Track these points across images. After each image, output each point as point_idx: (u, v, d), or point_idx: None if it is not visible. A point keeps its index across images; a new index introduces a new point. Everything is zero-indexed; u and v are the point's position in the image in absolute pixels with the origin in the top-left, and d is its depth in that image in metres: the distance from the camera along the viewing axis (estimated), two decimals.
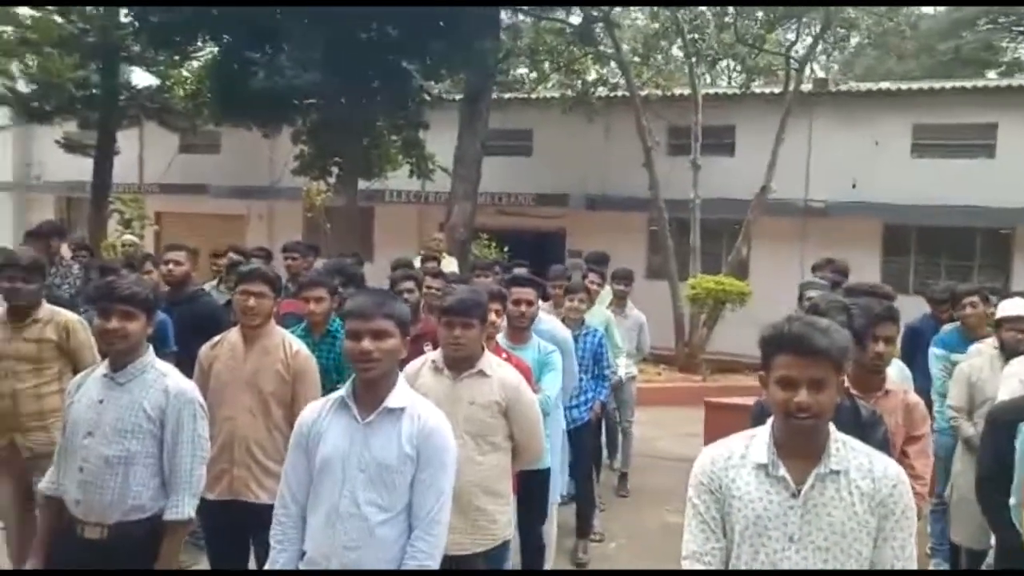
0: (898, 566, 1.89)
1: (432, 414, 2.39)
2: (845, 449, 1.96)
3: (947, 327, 5.47)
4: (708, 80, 17.09)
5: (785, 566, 1.91)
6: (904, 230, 13.29)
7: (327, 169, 13.06)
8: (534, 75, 15.11)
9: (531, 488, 3.52)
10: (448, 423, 2.42)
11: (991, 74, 21.67)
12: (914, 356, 5.85)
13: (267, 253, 6.81)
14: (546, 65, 14.81)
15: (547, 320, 4.71)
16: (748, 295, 11.16)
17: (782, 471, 1.94)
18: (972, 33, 23.59)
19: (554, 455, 4.42)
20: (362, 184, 13.41)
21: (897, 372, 3.64)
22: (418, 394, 2.52)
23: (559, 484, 4.64)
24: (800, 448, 1.95)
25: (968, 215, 12.25)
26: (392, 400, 2.36)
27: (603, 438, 6.33)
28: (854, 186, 13.09)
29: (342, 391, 2.42)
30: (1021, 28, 24.34)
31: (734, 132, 14.18)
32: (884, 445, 2.62)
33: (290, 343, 3.45)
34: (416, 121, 13.17)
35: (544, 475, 3.80)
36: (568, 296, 5.16)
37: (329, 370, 3.96)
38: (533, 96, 15.00)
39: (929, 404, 5.02)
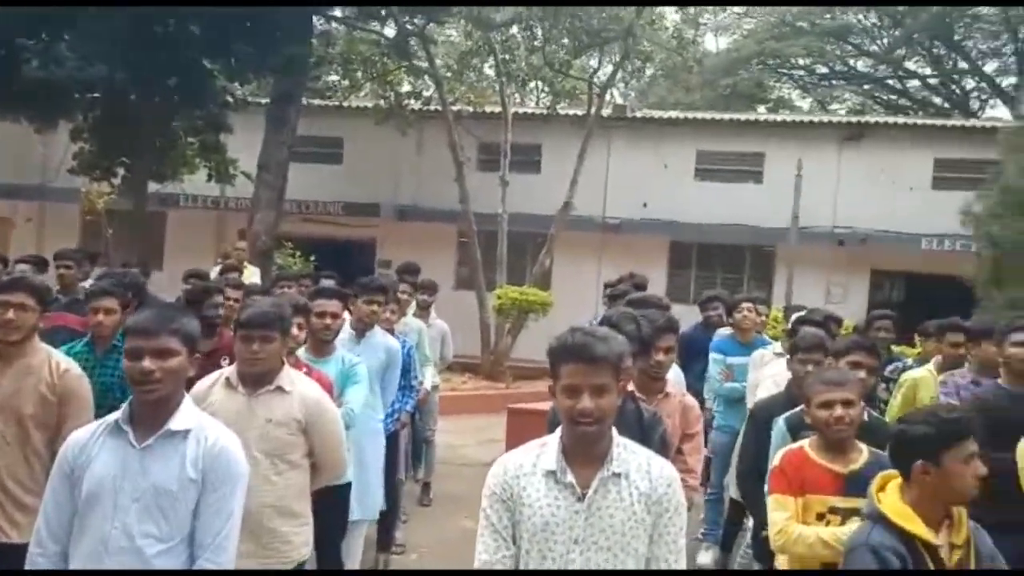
0: (671, 559, 2.06)
1: (220, 434, 2.27)
2: (626, 452, 2.09)
3: (722, 332, 6.02)
4: (518, 99, 17.77)
5: (570, 568, 2.01)
6: (687, 246, 14.60)
7: (111, 169, 11.95)
8: (347, 83, 14.87)
9: (328, 504, 3.43)
10: (238, 443, 2.31)
11: (761, 109, 24.40)
12: (688, 361, 6.46)
13: (40, 260, 6.09)
14: (359, 74, 14.64)
15: (380, 332, 4.68)
16: (550, 305, 11.70)
17: (569, 477, 2.04)
18: (747, 71, 26.44)
19: (371, 470, 4.40)
20: (153, 187, 12.44)
21: (673, 376, 3.98)
22: (205, 414, 2.38)
23: (379, 500, 4.58)
24: (586, 453, 2.06)
25: (740, 234, 13.72)
26: (175, 422, 2.21)
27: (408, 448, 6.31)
28: (645, 205, 14.19)
29: (116, 414, 2.23)
30: (785, 70, 27.68)
31: (541, 150, 14.86)
32: (663, 443, 2.86)
33: (57, 362, 3.09)
34: (217, 123, 12.43)
35: (343, 490, 3.73)
36: (380, 307, 5.12)
37: (113, 388, 3.63)
38: (345, 104, 14.76)
39: (705, 405, 5.60)
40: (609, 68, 15.07)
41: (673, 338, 3.39)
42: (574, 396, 1.99)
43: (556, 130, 14.46)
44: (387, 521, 5.15)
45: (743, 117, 15.15)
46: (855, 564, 2.23)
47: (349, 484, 3.94)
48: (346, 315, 4.64)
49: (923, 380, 4.77)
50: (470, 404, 9.97)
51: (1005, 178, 8.53)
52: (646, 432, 2.84)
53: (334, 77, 15.09)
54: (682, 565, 2.06)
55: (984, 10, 22.16)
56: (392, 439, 5.10)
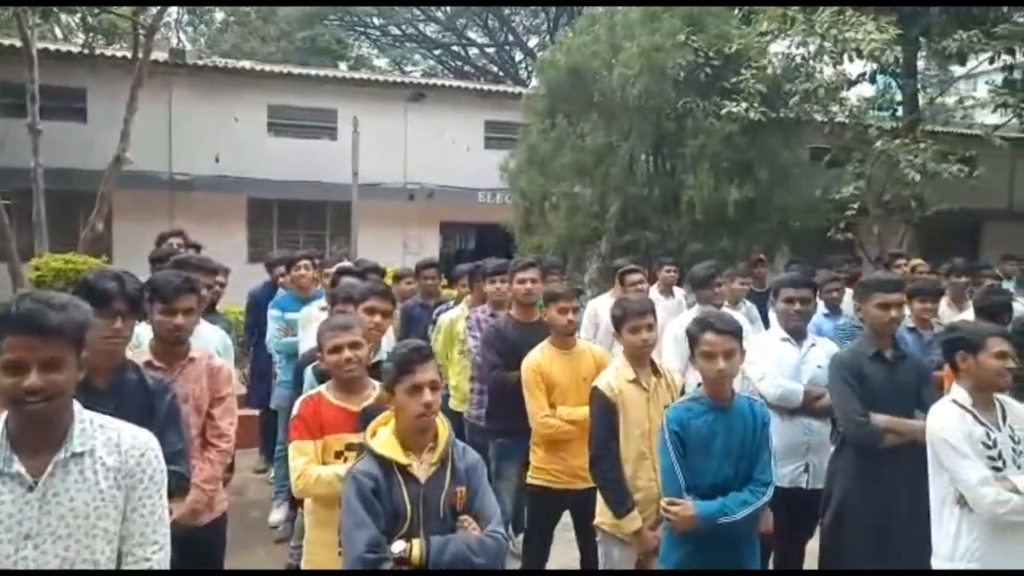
0: (147, 531, 1.93)
1: None
2: (92, 428, 1.91)
3: (282, 291, 6.03)
4: (60, 36, 15.17)
5: (23, 567, 1.79)
6: (266, 203, 14.21)
7: None
8: None
9: None
10: None
11: (343, 66, 24.56)
12: (256, 318, 6.33)
13: None
14: None
15: None
16: None
17: (16, 466, 1.80)
18: (324, 26, 26.31)
19: None
20: None
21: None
22: None
23: None
24: (39, 437, 1.84)
25: (319, 190, 13.76)
26: None
27: None
28: (217, 160, 13.37)
29: None
30: (362, 28, 28.27)
31: (85, 96, 12.95)
32: (171, 412, 2.69)
33: None
34: None
35: None
36: None
37: None
38: None
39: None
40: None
41: (194, 298, 3.17)
42: (19, 372, 1.77)
43: (105, 74, 12.67)
44: None
45: (313, 72, 15.07)
46: (345, 491, 2.40)
47: None
48: None
49: (457, 318, 5.37)
50: None
51: (529, 138, 9.94)
52: (153, 400, 2.66)
53: None
54: (162, 536, 1.97)
55: None
56: None
